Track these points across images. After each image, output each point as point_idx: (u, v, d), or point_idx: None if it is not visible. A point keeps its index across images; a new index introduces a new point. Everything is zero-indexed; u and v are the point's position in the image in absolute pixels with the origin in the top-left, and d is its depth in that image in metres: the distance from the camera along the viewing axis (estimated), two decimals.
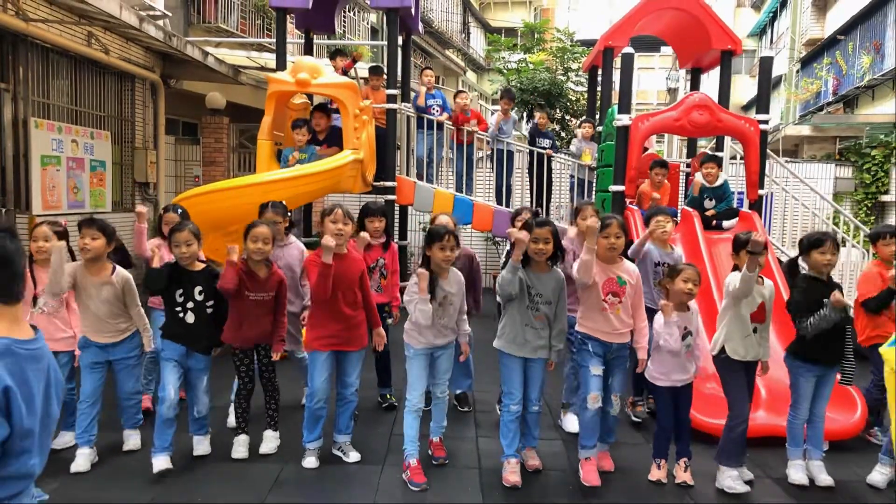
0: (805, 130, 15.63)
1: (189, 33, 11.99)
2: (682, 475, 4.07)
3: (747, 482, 4.05)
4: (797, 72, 21.88)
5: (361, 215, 4.89)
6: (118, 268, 4.18)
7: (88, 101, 9.28)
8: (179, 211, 5.06)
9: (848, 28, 16.91)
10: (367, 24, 19.80)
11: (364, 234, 4.45)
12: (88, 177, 9.22)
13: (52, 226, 4.26)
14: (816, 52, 19.49)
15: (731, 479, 3.99)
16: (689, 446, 4.14)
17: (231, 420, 4.70)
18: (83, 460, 4.01)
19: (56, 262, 3.75)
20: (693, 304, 4.18)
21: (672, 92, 34.19)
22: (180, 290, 4.11)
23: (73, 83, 8.92)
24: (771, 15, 26.30)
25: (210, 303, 4.18)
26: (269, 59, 11.80)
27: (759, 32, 28.78)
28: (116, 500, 3.66)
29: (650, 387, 4.26)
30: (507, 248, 4.40)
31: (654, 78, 37.75)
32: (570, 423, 4.82)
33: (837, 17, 18.86)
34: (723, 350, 4.08)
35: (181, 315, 4.12)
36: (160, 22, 9.60)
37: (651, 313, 4.23)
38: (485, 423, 4.99)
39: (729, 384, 4.10)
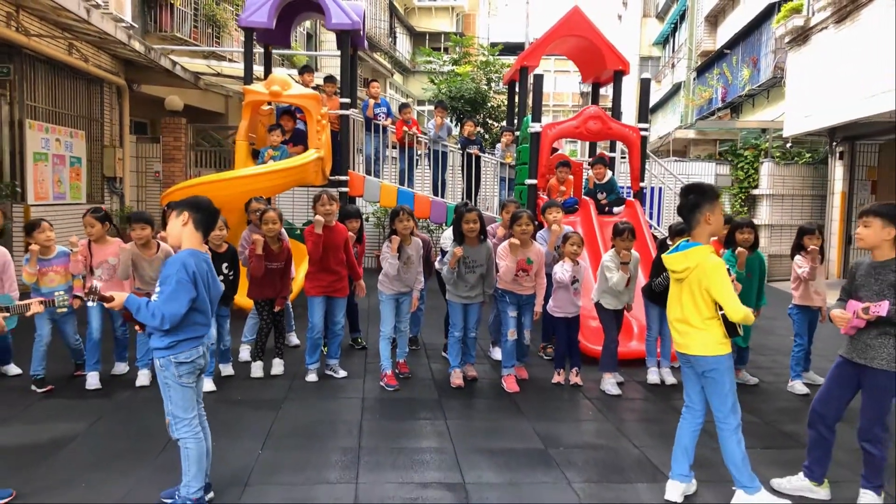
0: (691, 134, 17.93)
1: (146, 41, 13.05)
2: (575, 379, 5.83)
3: (619, 384, 5.81)
4: (694, 79, 24.22)
5: (341, 217, 6.17)
6: (161, 244, 5.44)
7: (66, 104, 10.37)
8: None
9: (733, 43, 19.09)
10: (304, 30, 21.09)
11: (350, 234, 5.98)
12: (69, 172, 10.32)
13: (93, 213, 5.38)
14: (709, 62, 21.64)
15: (610, 385, 5.72)
16: (579, 360, 5.91)
17: (242, 355, 6.19)
18: (144, 378, 5.44)
19: (125, 259, 5.27)
20: (583, 262, 5.92)
21: (584, 95, 36.62)
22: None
23: (53, 88, 10.01)
24: (672, 26, 28.63)
25: (231, 272, 5.63)
26: (226, 66, 13.08)
27: (663, 42, 31.16)
28: None
29: (551, 319, 5.99)
30: (447, 245, 5.94)
31: (570, 81, 40.35)
32: (496, 353, 6.52)
33: (726, 32, 21.05)
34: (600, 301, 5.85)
35: None
36: (130, 31, 10.74)
37: (548, 277, 5.94)
38: (433, 356, 6.64)
39: (604, 321, 5.88)
